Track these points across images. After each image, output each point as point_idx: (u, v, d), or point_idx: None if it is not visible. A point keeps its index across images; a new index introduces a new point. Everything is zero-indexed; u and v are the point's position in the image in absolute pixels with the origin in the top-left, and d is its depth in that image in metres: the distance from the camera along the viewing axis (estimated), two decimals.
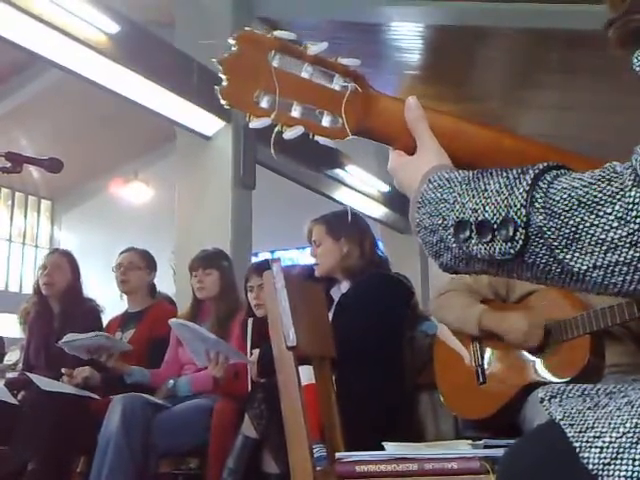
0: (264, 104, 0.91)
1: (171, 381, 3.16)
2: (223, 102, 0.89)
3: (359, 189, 8.11)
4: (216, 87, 0.89)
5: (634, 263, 0.71)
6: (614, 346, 2.02)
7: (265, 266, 2.79)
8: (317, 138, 0.94)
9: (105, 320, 3.62)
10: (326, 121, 0.94)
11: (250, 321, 3.08)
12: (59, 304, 3.49)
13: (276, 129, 0.92)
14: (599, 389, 0.81)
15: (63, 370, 3.16)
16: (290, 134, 0.92)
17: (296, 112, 0.92)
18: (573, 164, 0.81)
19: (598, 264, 0.73)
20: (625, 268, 0.72)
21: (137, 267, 3.53)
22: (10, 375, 3.55)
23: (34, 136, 9.64)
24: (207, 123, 5.43)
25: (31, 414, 3.01)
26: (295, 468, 1.61)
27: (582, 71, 6.30)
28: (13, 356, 4.66)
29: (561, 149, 0.96)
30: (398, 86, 7.29)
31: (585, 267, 0.73)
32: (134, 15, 5.07)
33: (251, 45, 0.90)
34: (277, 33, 0.91)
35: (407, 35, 6.51)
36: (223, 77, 0.89)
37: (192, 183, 5.59)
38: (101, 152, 11.23)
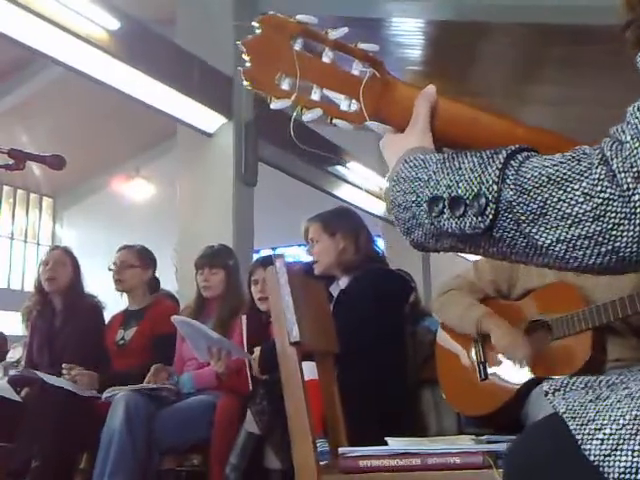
0: (285, 86, 0.93)
1: (174, 377, 3.17)
2: (245, 83, 0.91)
3: (360, 186, 8.10)
4: (239, 68, 0.91)
5: (595, 237, 0.74)
6: (616, 341, 2.02)
7: (271, 260, 2.80)
8: (335, 121, 0.95)
9: (107, 317, 3.62)
10: (344, 105, 0.95)
11: (243, 318, 3.08)
12: (61, 301, 3.47)
13: (295, 111, 0.94)
14: (601, 381, 0.82)
15: (63, 365, 3.15)
16: (309, 116, 0.94)
17: (316, 95, 0.94)
18: None
19: (562, 238, 0.76)
20: (586, 242, 0.75)
21: (130, 265, 3.49)
22: (13, 372, 3.54)
23: (36, 133, 9.64)
24: (208, 120, 5.43)
25: (34, 411, 3.02)
26: (298, 463, 1.62)
27: (584, 66, 6.29)
28: (16, 353, 4.66)
29: (572, 139, 0.97)
30: None
31: (549, 241, 0.76)
32: (134, 12, 5.06)
33: (274, 28, 0.92)
34: (300, 17, 0.93)
35: (408, 31, 6.50)
36: (246, 59, 0.91)
37: (194, 180, 5.58)
38: (103, 149, 11.23)
